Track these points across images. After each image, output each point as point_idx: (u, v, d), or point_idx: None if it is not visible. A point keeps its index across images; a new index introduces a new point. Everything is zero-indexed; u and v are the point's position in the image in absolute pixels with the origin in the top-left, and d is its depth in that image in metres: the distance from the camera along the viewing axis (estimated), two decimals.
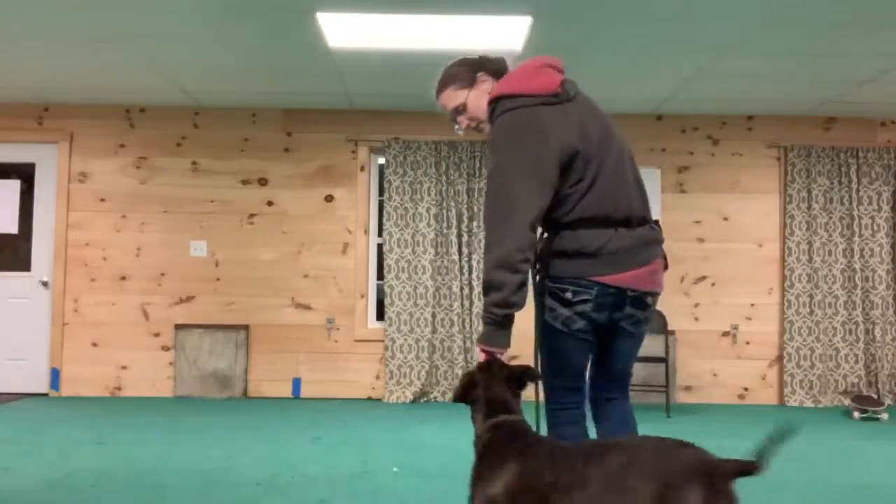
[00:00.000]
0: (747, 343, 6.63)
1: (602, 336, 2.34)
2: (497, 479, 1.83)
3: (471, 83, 2.42)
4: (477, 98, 2.41)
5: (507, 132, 2.25)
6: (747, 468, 1.64)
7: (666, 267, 2.39)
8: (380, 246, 6.69)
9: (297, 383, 6.50)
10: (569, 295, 2.24)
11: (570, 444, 1.92)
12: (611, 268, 2.23)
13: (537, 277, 2.31)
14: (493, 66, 2.43)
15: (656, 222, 2.40)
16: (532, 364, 2.28)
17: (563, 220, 2.26)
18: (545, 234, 2.32)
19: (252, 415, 5.65)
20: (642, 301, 2.30)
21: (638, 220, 2.31)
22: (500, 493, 1.80)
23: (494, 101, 2.31)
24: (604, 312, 2.26)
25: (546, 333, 2.31)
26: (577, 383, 2.37)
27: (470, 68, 2.43)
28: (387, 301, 6.51)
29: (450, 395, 6.37)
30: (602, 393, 2.45)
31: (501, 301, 2.14)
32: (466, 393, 2.10)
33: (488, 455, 1.91)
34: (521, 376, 2.11)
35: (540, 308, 2.31)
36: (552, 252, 2.27)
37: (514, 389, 2.10)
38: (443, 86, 2.46)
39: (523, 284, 2.17)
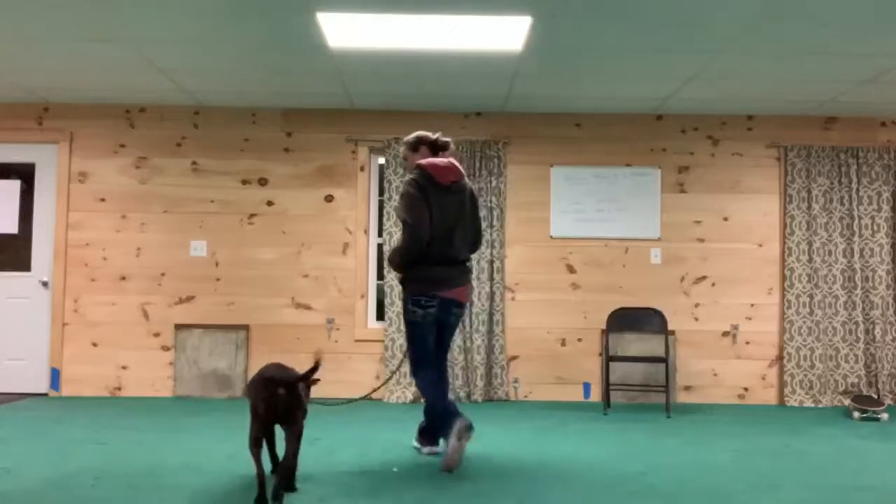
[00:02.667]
0: (747, 343, 6.63)
1: (440, 326, 4.20)
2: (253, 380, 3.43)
3: (414, 149, 4.35)
4: (413, 158, 4.33)
5: (407, 188, 4.10)
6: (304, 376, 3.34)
7: (472, 289, 4.70)
8: (380, 246, 6.69)
9: None
10: (423, 302, 4.10)
11: (271, 368, 3.47)
12: (445, 287, 4.12)
13: (405, 290, 4.18)
14: (430, 141, 4.31)
15: (468, 260, 4.30)
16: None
17: (422, 257, 4.07)
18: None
19: None
20: (461, 306, 4.25)
21: (461, 261, 4.21)
22: (250, 383, 3.41)
23: (418, 167, 4.16)
24: (442, 312, 4.15)
25: (411, 325, 4.16)
26: (430, 347, 4.21)
27: (417, 140, 4.35)
28: (387, 301, 6.51)
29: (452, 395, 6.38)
30: (441, 360, 4.32)
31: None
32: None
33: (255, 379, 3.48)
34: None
35: (406, 310, 4.17)
36: (415, 276, 4.12)
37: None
38: (405, 144, 4.42)
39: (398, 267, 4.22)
